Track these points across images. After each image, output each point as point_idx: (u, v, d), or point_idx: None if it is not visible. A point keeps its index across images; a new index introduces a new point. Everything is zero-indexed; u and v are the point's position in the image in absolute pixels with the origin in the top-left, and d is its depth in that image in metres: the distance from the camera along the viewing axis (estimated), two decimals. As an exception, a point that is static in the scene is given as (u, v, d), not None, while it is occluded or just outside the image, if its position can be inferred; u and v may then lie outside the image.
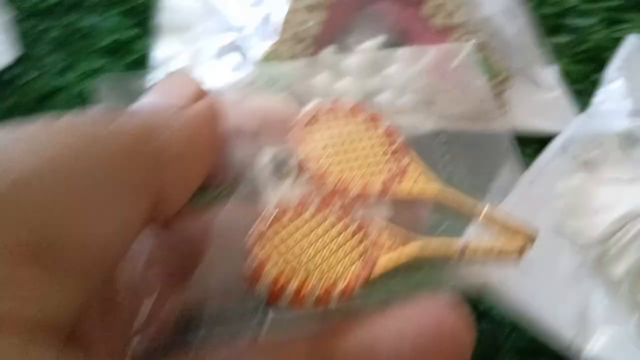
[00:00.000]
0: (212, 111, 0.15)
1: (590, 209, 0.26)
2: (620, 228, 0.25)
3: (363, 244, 0.18)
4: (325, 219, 0.18)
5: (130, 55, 0.35)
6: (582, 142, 0.28)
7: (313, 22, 0.31)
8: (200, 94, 0.15)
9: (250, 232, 0.16)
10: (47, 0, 0.38)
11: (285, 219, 0.17)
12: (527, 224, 0.18)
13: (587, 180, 0.27)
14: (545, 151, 0.28)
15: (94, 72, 0.34)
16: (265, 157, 0.18)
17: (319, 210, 0.18)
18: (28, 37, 0.36)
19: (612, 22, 0.35)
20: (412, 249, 0.18)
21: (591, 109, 0.30)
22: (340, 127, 0.20)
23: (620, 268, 0.25)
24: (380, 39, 0.31)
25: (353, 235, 0.18)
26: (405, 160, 0.19)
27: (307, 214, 0.18)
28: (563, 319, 0.24)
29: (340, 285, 0.17)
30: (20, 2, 0.38)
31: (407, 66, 0.30)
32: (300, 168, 0.18)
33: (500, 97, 0.30)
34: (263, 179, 0.18)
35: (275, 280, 0.16)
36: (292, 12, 0.31)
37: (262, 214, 0.17)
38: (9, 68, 0.34)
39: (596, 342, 0.23)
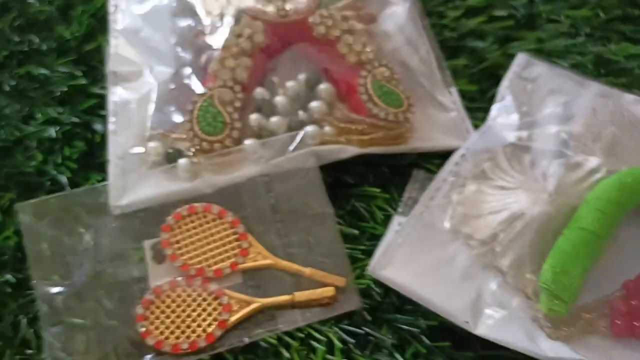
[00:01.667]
0: None
1: (482, 213, 0.32)
2: (506, 228, 0.31)
3: (217, 310, 0.30)
4: (190, 294, 0.31)
5: (86, 101, 0.39)
6: (477, 155, 0.34)
7: (240, 68, 0.35)
8: None
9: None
10: (3, 51, 0.42)
11: (162, 295, 0.30)
12: (336, 277, 0.30)
13: (480, 187, 0.33)
14: (444, 167, 0.33)
15: (52, 120, 0.38)
16: (147, 245, 0.32)
17: (185, 287, 0.31)
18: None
19: (505, 41, 0.40)
20: (252, 307, 0.30)
21: (485, 125, 0.35)
22: (203, 224, 0.33)
23: (506, 261, 0.30)
24: (302, 77, 0.36)
25: (209, 305, 0.30)
26: (245, 243, 0.32)
27: (178, 289, 0.30)
28: (459, 306, 0.29)
29: (203, 340, 0.29)
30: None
31: (326, 102, 0.35)
32: (173, 257, 0.31)
33: (406, 122, 0.35)
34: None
35: (158, 341, 0.29)
36: (220, 59, 0.35)
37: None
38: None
39: (485, 323, 0.29)
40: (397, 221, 0.32)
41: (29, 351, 0.30)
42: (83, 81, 0.40)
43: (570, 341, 0.28)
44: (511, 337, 0.28)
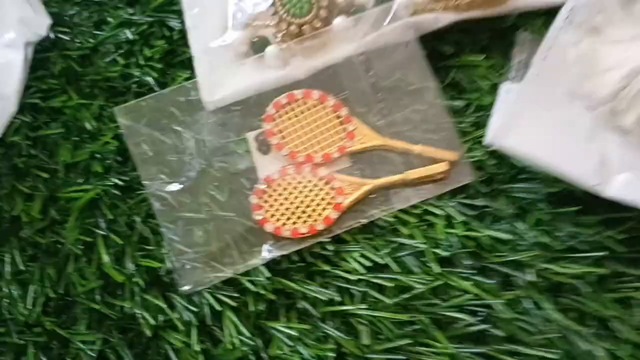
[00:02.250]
0: None
1: (599, 70, 0.30)
2: (628, 84, 0.29)
3: (330, 194, 0.30)
4: (301, 180, 0.30)
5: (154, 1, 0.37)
6: (586, 9, 0.31)
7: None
8: None
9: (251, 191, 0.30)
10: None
11: (274, 184, 0.30)
12: (448, 152, 0.29)
13: (594, 45, 0.30)
14: (552, 25, 0.31)
15: (126, 23, 0.37)
16: (250, 137, 0.31)
17: (294, 174, 0.30)
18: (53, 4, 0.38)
19: None
20: (365, 189, 0.29)
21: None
22: (306, 111, 0.31)
23: (629, 119, 0.29)
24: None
25: (322, 190, 0.30)
26: (350, 126, 0.31)
27: (288, 177, 0.30)
28: (585, 169, 0.28)
29: (321, 223, 0.29)
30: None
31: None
32: (278, 147, 0.31)
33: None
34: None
35: (277, 227, 0.29)
36: None
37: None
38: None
39: (615, 184, 0.27)
40: (506, 87, 0.30)
41: (149, 247, 0.30)
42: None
43: None
44: None
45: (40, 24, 0.36)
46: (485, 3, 0.32)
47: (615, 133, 0.28)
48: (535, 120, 0.29)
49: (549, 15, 0.31)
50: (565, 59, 0.30)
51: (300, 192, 0.30)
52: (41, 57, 0.36)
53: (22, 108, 0.35)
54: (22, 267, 0.31)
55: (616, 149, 0.28)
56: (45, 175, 0.33)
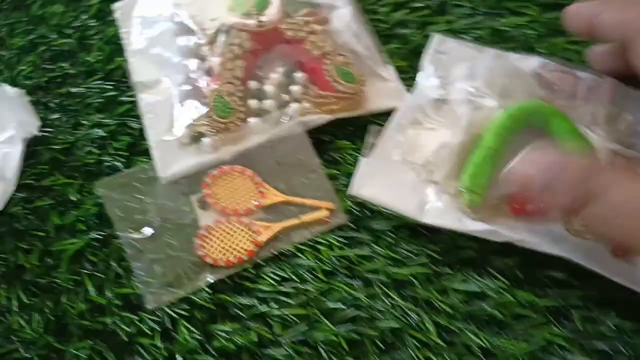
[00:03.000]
0: None
1: (419, 146, 0.46)
2: (436, 155, 0.45)
3: (251, 235, 0.44)
4: (231, 226, 0.44)
5: (120, 107, 0.51)
6: (411, 110, 0.48)
7: (238, 68, 0.48)
8: None
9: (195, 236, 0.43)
10: (43, 78, 0.54)
11: (211, 230, 0.44)
12: (328, 203, 0.44)
13: (416, 131, 0.47)
14: (391, 120, 0.47)
15: (97, 124, 0.50)
16: (193, 199, 0.44)
17: (226, 223, 0.44)
18: (39, 108, 0.52)
19: (424, 26, 0.55)
20: (274, 230, 0.44)
21: (415, 89, 0.49)
22: (232, 180, 0.46)
23: (439, 176, 0.44)
24: (281, 69, 0.50)
25: (245, 232, 0.44)
26: (262, 189, 0.45)
27: (221, 225, 0.44)
28: (411, 207, 0.43)
29: (245, 255, 0.43)
30: (24, 81, 0.54)
31: (302, 86, 0.49)
32: (213, 205, 0.45)
33: (361, 93, 0.49)
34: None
35: (214, 260, 0.42)
36: (222, 63, 0.49)
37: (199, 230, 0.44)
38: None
39: (428, 214, 0.43)
40: (364, 161, 0.46)
41: (122, 281, 0.43)
42: (113, 92, 0.52)
43: (487, 220, 0.43)
44: (446, 221, 0.43)
45: (33, 125, 0.49)
46: (349, 107, 0.49)
47: (430, 184, 0.45)
48: (379, 178, 0.44)
49: (389, 114, 0.49)
50: (398, 140, 0.46)
51: (231, 235, 0.44)
52: (33, 149, 0.49)
53: (20, 187, 0.47)
54: (26, 301, 0.42)
55: (430, 193, 0.44)
56: (41, 234, 0.45)
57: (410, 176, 0.44)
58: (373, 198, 0.44)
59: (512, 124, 0.43)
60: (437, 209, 0.43)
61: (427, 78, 0.49)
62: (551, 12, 0.54)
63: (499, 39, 0.53)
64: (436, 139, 0.46)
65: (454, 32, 0.53)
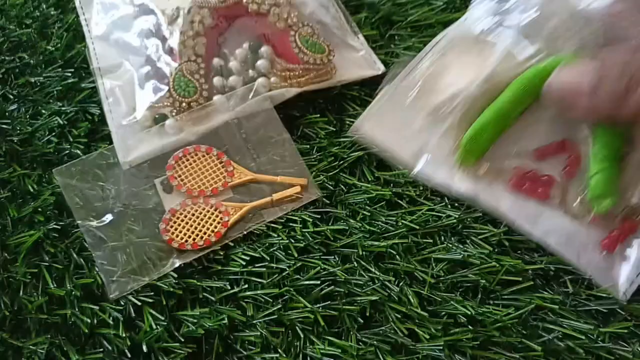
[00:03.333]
0: None
1: (436, 89, 0.42)
2: (447, 103, 0.42)
3: (219, 216, 0.41)
4: (197, 208, 0.42)
5: (79, 94, 0.49)
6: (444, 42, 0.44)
7: (198, 45, 0.46)
8: None
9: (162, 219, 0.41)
10: (1, 69, 0.52)
11: (177, 213, 0.41)
12: (300, 179, 0.41)
13: (437, 70, 0.43)
14: (417, 55, 0.44)
15: (56, 112, 0.48)
16: (157, 182, 0.42)
17: (192, 205, 0.42)
18: (-4, 101, 0.50)
19: (393, -5, 0.53)
20: (244, 210, 0.41)
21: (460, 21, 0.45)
22: (197, 160, 0.43)
23: (445, 125, 0.41)
24: (246, 44, 0.48)
25: (212, 214, 0.41)
26: (231, 167, 0.43)
27: (187, 208, 0.42)
28: (409, 154, 0.41)
29: (213, 237, 0.40)
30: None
31: (268, 60, 0.46)
32: (178, 187, 0.42)
33: (330, 63, 0.47)
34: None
35: (181, 243, 0.40)
36: (182, 42, 0.46)
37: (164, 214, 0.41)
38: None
39: (422, 164, 0.41)
40: (376, 99, 0.44)
41: (83, 271, 0.40)
42: (73, 80, 0.50)
43: (476, 186, 0.40)
44: (438, 175, 0.40)
45: (-12, 118, 0.47)
46: (317, 78, 0.46)
47: (433, 134, 0.42)
48: (386, 119, 0.42)
49: (362, 84, 0.46)
50: (415, 81, 0.43)
51: (197, 217, 0.41)
52: (-11, 143, 0.47)
53: (-25, 181, 0.45)
54: (-20, 298, 0.39)
55: (431, 144, 0.41)
56: (-4, 228, 0.42)
57: (417, 123, 0.42)
58: (373, 137, 0.42)
59: (537, 84, 0.39)
60: (432, 161, 0.41)
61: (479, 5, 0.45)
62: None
63: None
64: (454, 84, 0.43)
65: None
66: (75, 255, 0.41)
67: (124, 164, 0.43)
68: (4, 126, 0.48)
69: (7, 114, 0.49)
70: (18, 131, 0.48)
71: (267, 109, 0.45)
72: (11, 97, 0.50)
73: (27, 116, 0.49)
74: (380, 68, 0.47)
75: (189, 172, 0.43)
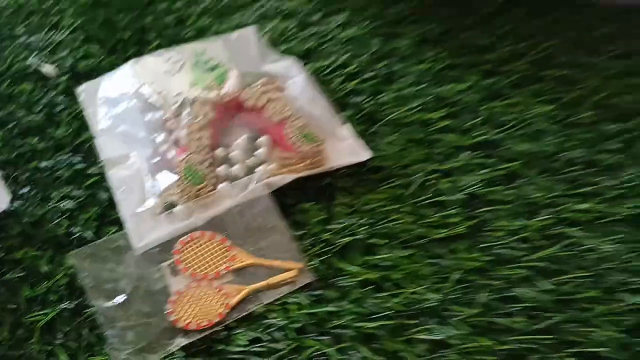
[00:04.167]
0: None
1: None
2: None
3: (221, 298, 0.46)
4: (201, 290, 0.46)
5: (88, 179, 0.53)
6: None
7: (205, 137, 0.51)
8: None
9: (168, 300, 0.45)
10: (13, 153, 0.55)
11: (182, 295, 0.45)
12: (295, 264, 0.46)
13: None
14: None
15: (66, 196, 0.52)
16: (164, 265, 0.45)
17: (196, 288, 0.46)
18: (9, 182, 0.53)
19: (376, 94, 0.59)
20: (244, 292, 0.45)
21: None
22: (201, 245, 0.48)
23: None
24: (245, 135, 0.53)
25: (215, 296, 0.45)
26: (232, 252, 0.47)
27: (192, 290, 0.46)
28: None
29: (216, 318, 0.44)
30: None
31: (266, 149, 0.52)
32: (184, 270, 0.46)
33: (321, 152, 0.52)
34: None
35: (186, 324, 0.44)
36: (188, 134, 0.51)
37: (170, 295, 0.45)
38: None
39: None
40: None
41: (95, 349, 0.43)
42: (81, 165, 0.54)
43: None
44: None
45: (3, 200, 0.50)
46: (311, 165, 0.52)
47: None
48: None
49: (349, 169, 0.52)
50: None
51: (201, 298, 0.45)
52: (3, 223, 0.50)
53: (-10, 262, 0.48)
54: (-3, 376, 0.42)
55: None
56: (12, 306, 0.45)
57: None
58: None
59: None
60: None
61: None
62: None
63: (443, 104, 0.58)
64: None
65: (402, 99, 0.58)
66: (87, 334, 0.44)
67: (137, 250, 0.47)
68: (17, 207, 0.51)
69: (18, 196, 0.52)
70: (30, 213, 0.51)
71: (265, 199, 0.50)
72: (22, 180, 0.54)
73: (38, 199, 0.52)
74: (366, 155, 0.53)
75: (194, 256, 0.47)
